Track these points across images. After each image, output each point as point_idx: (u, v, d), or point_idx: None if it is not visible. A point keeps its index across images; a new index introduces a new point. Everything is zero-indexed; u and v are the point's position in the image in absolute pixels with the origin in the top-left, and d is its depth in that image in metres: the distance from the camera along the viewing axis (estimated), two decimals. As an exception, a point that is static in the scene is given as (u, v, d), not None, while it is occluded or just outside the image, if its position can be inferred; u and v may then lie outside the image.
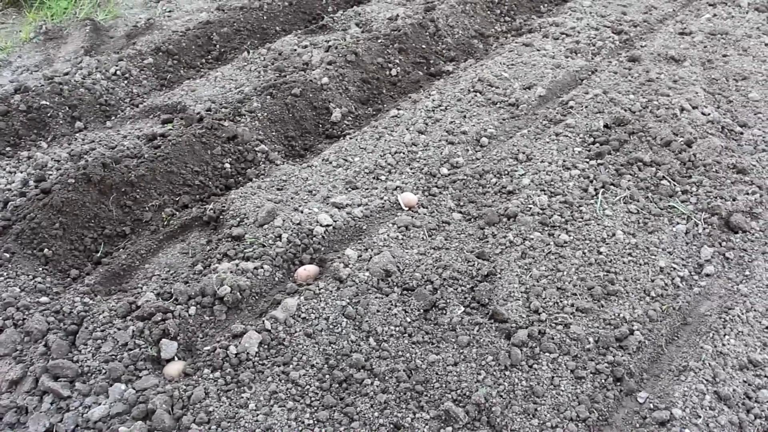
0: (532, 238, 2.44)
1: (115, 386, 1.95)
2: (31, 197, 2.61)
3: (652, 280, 2.29)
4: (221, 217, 2.52)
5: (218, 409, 1.86)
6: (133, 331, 2.08)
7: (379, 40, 3.56)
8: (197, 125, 2.91)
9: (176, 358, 2.04)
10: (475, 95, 3.27)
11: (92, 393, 1.93)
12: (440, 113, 3.16)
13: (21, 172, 2.84)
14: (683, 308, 2.24)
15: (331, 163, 2.83)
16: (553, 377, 1.98)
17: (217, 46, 3.77)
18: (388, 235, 2.44)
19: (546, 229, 2.49)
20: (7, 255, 2.41)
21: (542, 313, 2.16)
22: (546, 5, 4.42)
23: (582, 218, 2.54)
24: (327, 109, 3.19)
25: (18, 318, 2.17)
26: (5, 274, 2.35)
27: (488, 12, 4.15)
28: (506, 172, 2.77)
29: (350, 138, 3.02)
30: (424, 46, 3.68)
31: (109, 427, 1.83)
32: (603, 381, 1.97)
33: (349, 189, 2.70)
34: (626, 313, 2.17)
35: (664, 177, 2.73)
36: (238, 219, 2.48)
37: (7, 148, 3.06)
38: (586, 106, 3.15)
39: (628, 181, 2.70)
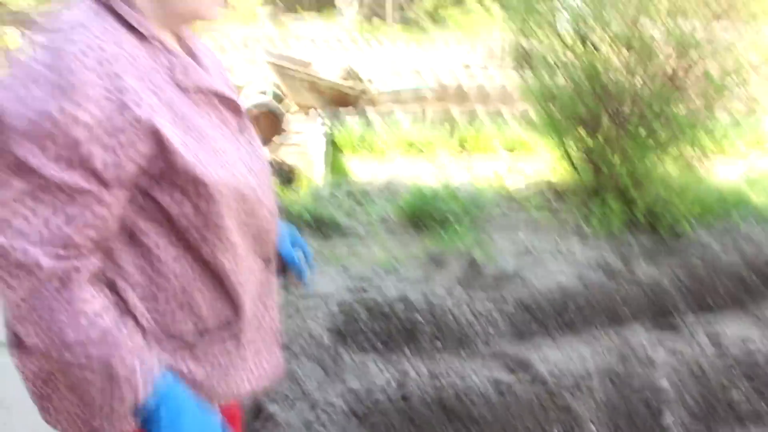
0: None
1: None
2: (390, 397, 3.16)
3: None
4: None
5: None
6: None
7: (727, 360, 3.66)
8: (539, 386, 3.28)
9: None
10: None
11: None
12: (777, 460, 3.12)
13: (387, 372, 3.44)
14: None
15: (654, 469, 2.96)
16: None
17: (570, 313, 4.18)
18: None
19: None
20: (360, 440, 2.95)
21: None
22: None
23: None
24: (660, 411, 3.35)
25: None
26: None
27: None
28: None
29: (678, 450, 3.12)
30: (773, 380, 3.68)
31: None
32: None
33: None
34: None
35: None
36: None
37: (380, 345, 3.73)
38: None
39: None
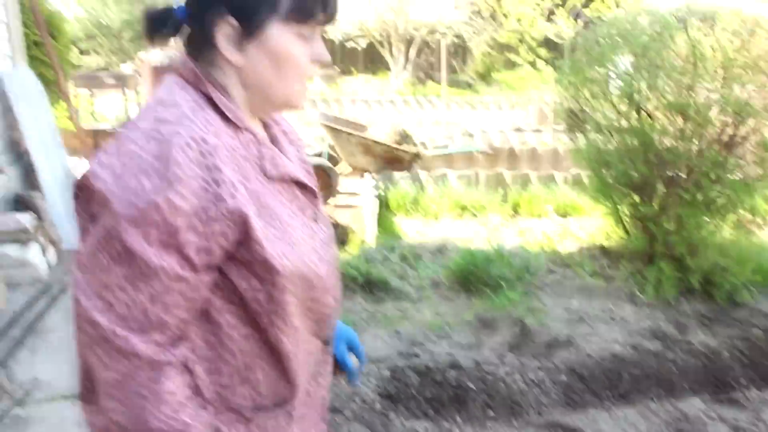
0: None
1: None
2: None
3: None
4: None
5: None
6: None
7: (791, 438, 3.54)
8: (593, 459, 3.22)
9: None
10: None
11: None
12: None
13: (438, 439, 3.43)
14: None
15: None
16: None
17: (624, 383, 4.09)
18: None
19: None
20: None
21: None
22: None
23: None
24: (720, 490, 3.24)
25: None
26: None
27: None
28: None
29: None
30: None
31: None
32: None
33: None
34: None
35: None
36: None
37: (431, 412, 3.72)
38: None
39: None
